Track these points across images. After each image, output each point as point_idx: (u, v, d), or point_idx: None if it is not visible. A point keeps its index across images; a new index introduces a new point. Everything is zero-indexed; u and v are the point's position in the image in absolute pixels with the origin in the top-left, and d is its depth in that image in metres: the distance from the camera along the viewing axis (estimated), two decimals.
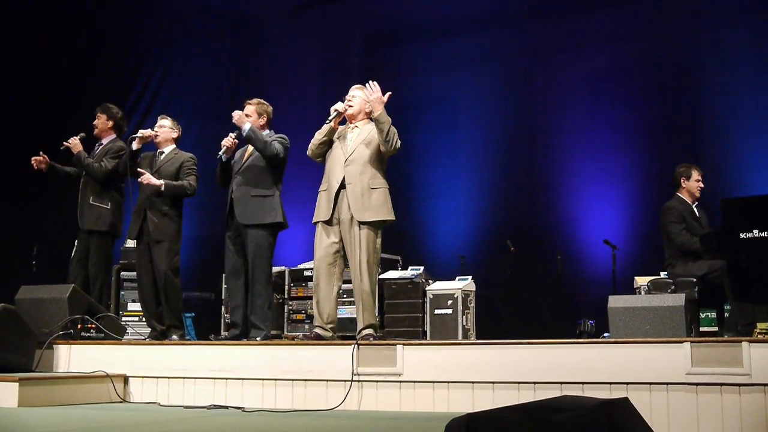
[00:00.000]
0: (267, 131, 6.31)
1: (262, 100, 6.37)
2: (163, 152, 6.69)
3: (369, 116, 5.76)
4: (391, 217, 5.63)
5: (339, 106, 5.77)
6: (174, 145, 6.75)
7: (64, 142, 6.92)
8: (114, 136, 7.06)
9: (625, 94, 10.30)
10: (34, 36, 10.51)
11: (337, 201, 5.60)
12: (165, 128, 6.73)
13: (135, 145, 6.57)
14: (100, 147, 7.00)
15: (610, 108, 10.31)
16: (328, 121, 5.73)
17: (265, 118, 6.32)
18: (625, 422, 3.68)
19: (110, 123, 7.05)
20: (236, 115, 6.11)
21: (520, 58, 11.14)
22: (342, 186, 5.60)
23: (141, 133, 6.62)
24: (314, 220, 5.72)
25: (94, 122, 7.07)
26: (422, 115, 11.19)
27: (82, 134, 7.03)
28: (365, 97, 5.76)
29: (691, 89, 10.09)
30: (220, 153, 6.24)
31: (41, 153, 7.00)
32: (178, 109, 10.88)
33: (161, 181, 6.45)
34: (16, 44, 10.35)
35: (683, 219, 6.45)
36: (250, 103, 6.33)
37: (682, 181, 6.65)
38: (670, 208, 6.52)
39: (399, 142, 5.62)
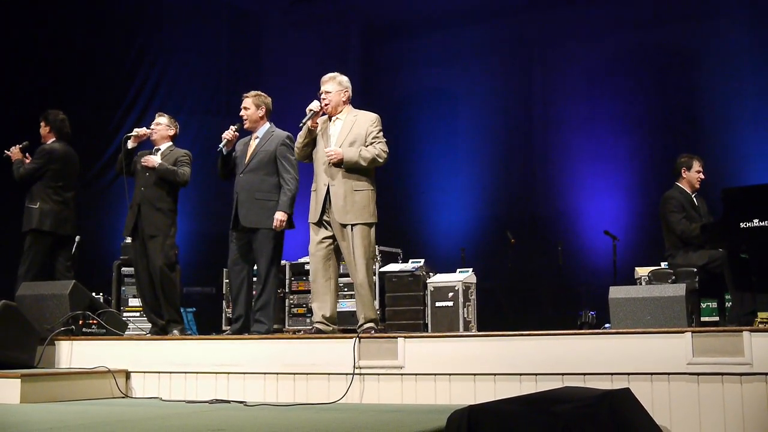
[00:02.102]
0: (267, 124, 6.30)
1: (259, 92, 6.34)
2: (160, 149, 6.68)
3: (347, 103, 5.75)
4: (372, 220, 5.59)
5: (314, 105, 5.68)
6: (170, 143, 6.73)
7: (5, 151, 7.07)
8: (53, 139, 7.12)
9: (625, 85, 10.29)
10: (33, 33, 10.49)
11: (326, 201, 5.59)
12: (161, 126, 6.72)
13: (130, 144, 6.61)
14: None
15: (609, 98, 10.30)
16: (303, 123, 5.67)
17: (264, 110, 6.28)
18: (627, 412, 3.69)
19: (47, 128, 7.13)
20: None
21: (518, 49, 11.11)
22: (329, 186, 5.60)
23: (136, 131, 6.66)
24: (308, 220, 5.72)
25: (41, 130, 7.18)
26: (421, 107, 11.18)
27: (26, 142, 7.16)
28: (339, 87, 5.72)
29: (690, 79, 10.08)
30: (221, 146, 6.22)
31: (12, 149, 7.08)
32: (177, 105, 10.91)
33: (159, 161, 6.49)
34: (15, 41, 10.33)
35: (683, 208, 6.43)
36: (247, 96, 6.30)
37: (682, 171, 6.63)
38: (669, 198, 6.52)
39: (384, 156, 5.61)
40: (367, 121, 5.68)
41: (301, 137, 5.73)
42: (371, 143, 5.61)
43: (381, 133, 5.68)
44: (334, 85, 5.72)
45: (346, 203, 5.52)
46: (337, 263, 5.70)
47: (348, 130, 5.64)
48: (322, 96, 5.71)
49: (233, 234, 6.18)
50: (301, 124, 5.68)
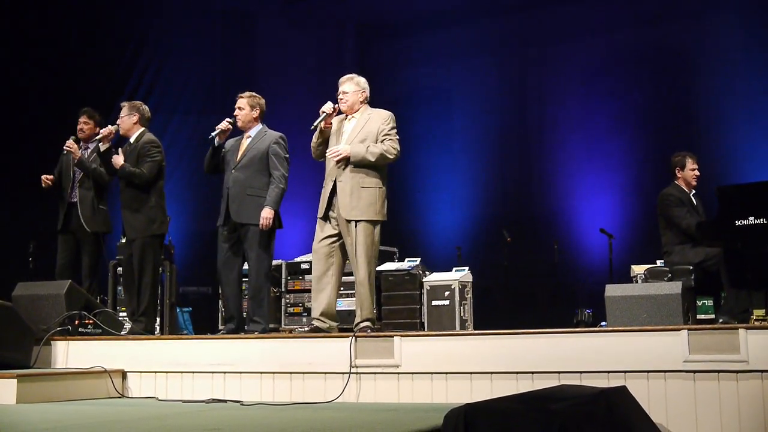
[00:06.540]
0: (260, 125, 6.29)
1: (254, 93, 6.32)
2: (130, 141, 6.55)
3: (364, 103, 5.77)
4: (378, 218, 5.57)
5: (327, 107, 5.68)
6: (141, 129, 6.55)
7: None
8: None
9: (620, 83, 10.31)
10: (28, 32, 10.48)
11: (333, 196, 5.59)
12: (123, 117, 6.55)
13: (102, 146, 6.46)
14: None
15: (604, 96, 10.32)
16: (315, 125, 5.68)
17: (258, 111, 6.27)
18: (623, 410, 3.70)
19: (98, 128, 6.90)
20: None
21: (514, 48, 11.13)
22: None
23: (102, 133, 6.48)
24: (317, 216, 5.72)
25: None
26: (417, 106, 11.19)
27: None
28: (356, 87, 5.75)
29: (685, 77, 10.10)
30: (213, 135, 6.18)
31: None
32: (172, 105, 10.91)
33: (121, 162, 6.37)
34: (10, 41, 10.31)
35: (682, 203, 6.42)
36: (242, 97, 6.29)
37: (677, 171, 6.63)
38: (667, 195, 6.49)
39: (394, 152, 5.58)
40: (380, 118, 5.70)
41: (315, 138, 5.75)
42: (382, 140, 5.63)
43: (393, 131, 5.67)
44: (352, 85, 5.75)
45: (353, 199, 5.51)
46: (342, 261, 5.67)
47: (360, 128, 5.66)
48: (340, 96, 5.74)
49: (223, 230, 6.17)
50: (312, 127, 5.69)
